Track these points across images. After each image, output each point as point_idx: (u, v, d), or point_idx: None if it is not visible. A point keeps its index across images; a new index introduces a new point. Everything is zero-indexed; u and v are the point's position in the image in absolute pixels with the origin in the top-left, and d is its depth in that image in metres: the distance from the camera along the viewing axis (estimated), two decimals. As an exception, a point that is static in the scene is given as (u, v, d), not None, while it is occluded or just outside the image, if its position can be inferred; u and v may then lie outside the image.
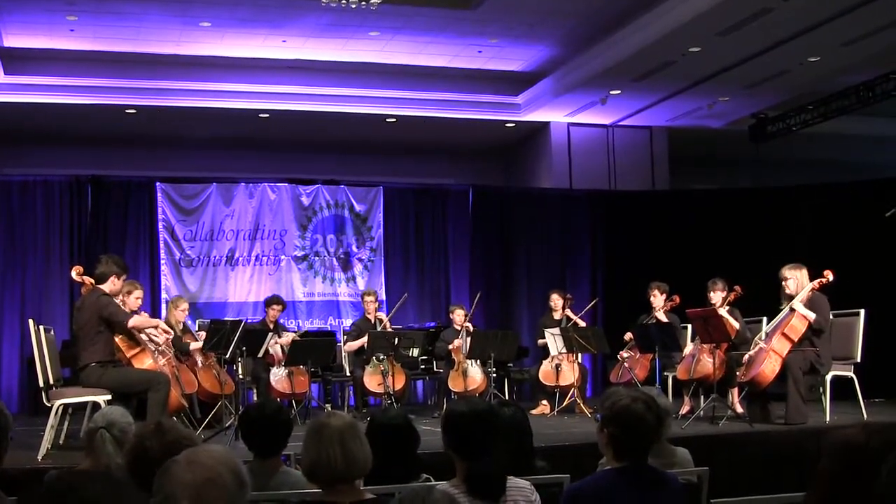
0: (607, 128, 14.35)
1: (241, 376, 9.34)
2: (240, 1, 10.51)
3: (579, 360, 10.16)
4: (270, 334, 9.30)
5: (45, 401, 7.11)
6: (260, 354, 9.09)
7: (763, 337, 8.18)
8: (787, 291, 8.07)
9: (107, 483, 3.47)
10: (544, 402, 10.02)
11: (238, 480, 2.25)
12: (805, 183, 13.53)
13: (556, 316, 10.56)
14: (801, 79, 12.18)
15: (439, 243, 13.28)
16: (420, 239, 13.20)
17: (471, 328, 10.21)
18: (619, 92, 12.60)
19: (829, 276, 8.03)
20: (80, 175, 11.93)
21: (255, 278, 12.33)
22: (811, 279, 8.07)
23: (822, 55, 11.22)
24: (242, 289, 12.27)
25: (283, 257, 12.47)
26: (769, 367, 7.81)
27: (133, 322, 7.23)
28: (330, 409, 9.85)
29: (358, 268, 12.78)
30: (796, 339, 7.88)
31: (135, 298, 7.89)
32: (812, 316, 7.85)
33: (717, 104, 13.16)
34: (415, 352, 9.91)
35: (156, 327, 7.69)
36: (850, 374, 8.30)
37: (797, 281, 8.05)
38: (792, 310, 7.95)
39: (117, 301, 7.33)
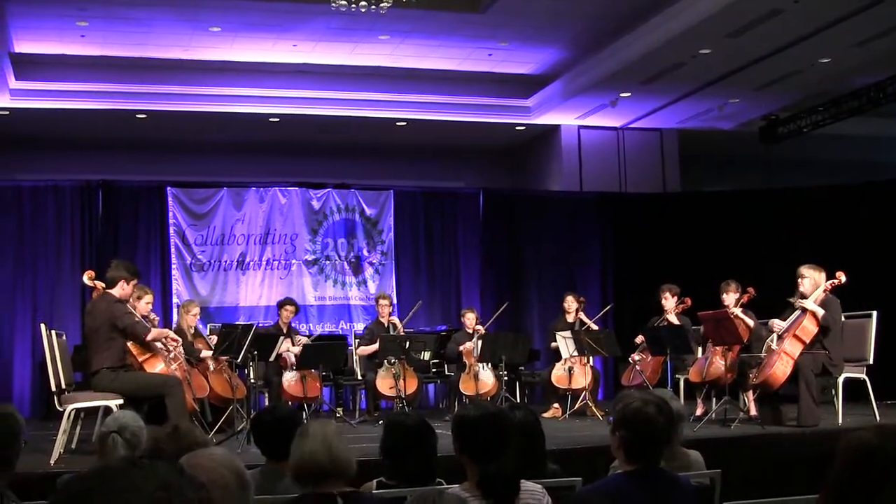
0: (617, 130, 14.33)
1: (252, 380, 9.34)
2: (250, 6, 10.53)
3: (591, 363, 10.14)
4: (282, 338, 9.29)
5: (57, 405, 7.16)
6: (271, 358, 9.08)
7: (774, 339, 8.15)
8: (801, 289, 8.03)
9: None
10: (556, 405, 10.01)
11: (240, 481, 2.25)
12: (816, 184, 13.47)
13: (570, 318, 10.52)
14: (812, 80, 12.15)
15: (450, 247, 13.27)
16: (430, 242, 13.19)
17: (482, 331, 10.20)
18: (629, 94, 12.58)
19: (841, 277, 8.00)
20: (90, 180, 11.95)
21: (266, 282, 12.33)
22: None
23: (833, 56, 11.19)
24: (253, 293, 12.27)
25: (293, 261, 12.46)
26: (780, 369, 7.79)
27: (151, 335, 7.29)
28: (342, 412, 9.86)
29: (369, 271, 12.77)
30: (808, 341, 7.85)
31: (145, 304, 7.92)
32: (821, 312, 7.81)
33: (727, 106, 13.12)
34: (426, 355, 9.91)
35: (166, 337, 7.72)
36: (863, 375, 8.28)
37: (813, 281, 8.00)
38: (803, 312, 7.92)
39: (128, 306, 7.36)
